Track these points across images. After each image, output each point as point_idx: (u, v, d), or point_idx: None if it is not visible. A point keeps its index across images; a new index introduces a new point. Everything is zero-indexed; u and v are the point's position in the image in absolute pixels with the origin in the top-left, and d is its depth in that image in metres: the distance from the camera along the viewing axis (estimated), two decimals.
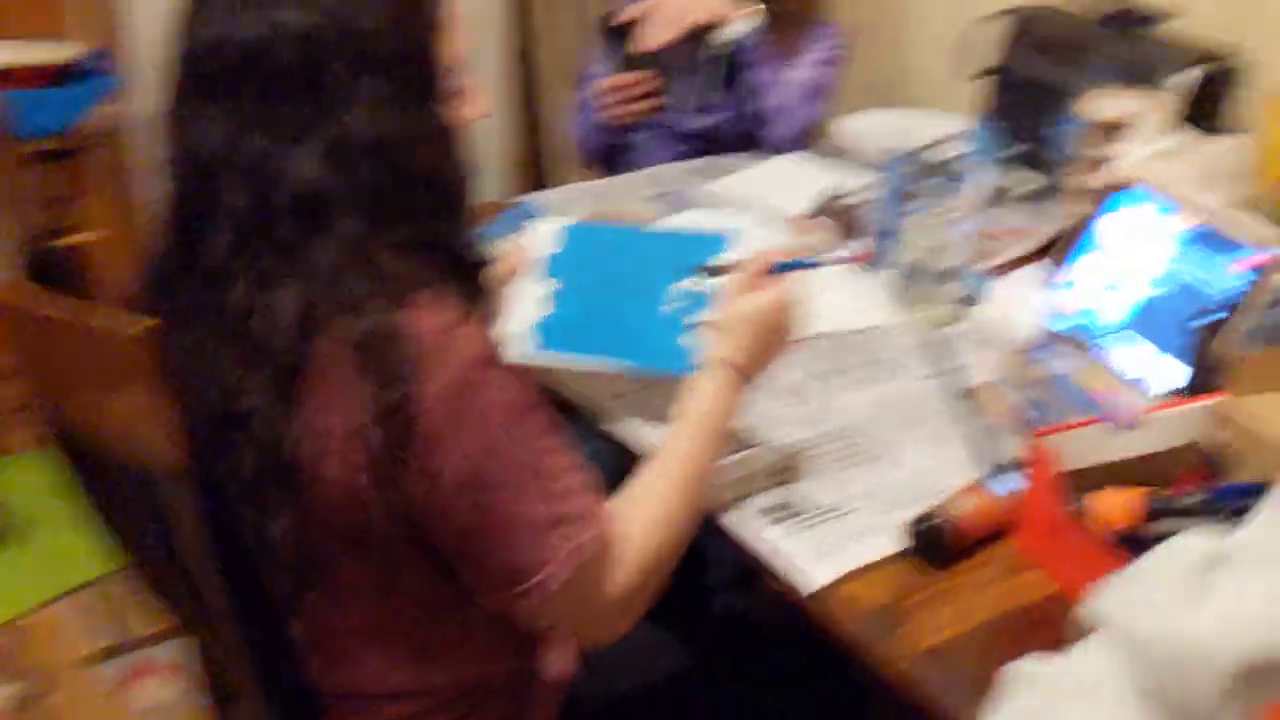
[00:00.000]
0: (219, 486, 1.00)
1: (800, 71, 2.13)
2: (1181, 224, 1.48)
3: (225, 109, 0.95)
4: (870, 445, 1.32)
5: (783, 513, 1.20)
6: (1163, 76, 1.84)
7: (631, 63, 1.99)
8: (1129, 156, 1.67)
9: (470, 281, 1.03)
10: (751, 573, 1.21)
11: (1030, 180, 1.94)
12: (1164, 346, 1.43)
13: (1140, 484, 1.17)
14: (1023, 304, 1.51)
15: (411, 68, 0.99)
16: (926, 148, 2.03)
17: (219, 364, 0.97)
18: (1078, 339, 1.52)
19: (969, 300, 1.59)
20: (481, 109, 1.07)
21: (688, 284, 1.28)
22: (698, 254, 1.30)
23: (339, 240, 0.95)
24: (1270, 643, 0.63)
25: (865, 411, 1.38)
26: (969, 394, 1.41)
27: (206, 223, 0.97)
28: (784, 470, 1.26)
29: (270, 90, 0.94)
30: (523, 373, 1.02)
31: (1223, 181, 1.66)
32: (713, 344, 1.18)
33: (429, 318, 0.95)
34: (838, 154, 2.14)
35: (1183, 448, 1.18)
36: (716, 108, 2.08)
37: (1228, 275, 1.40)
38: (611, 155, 2.25)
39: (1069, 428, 1.15)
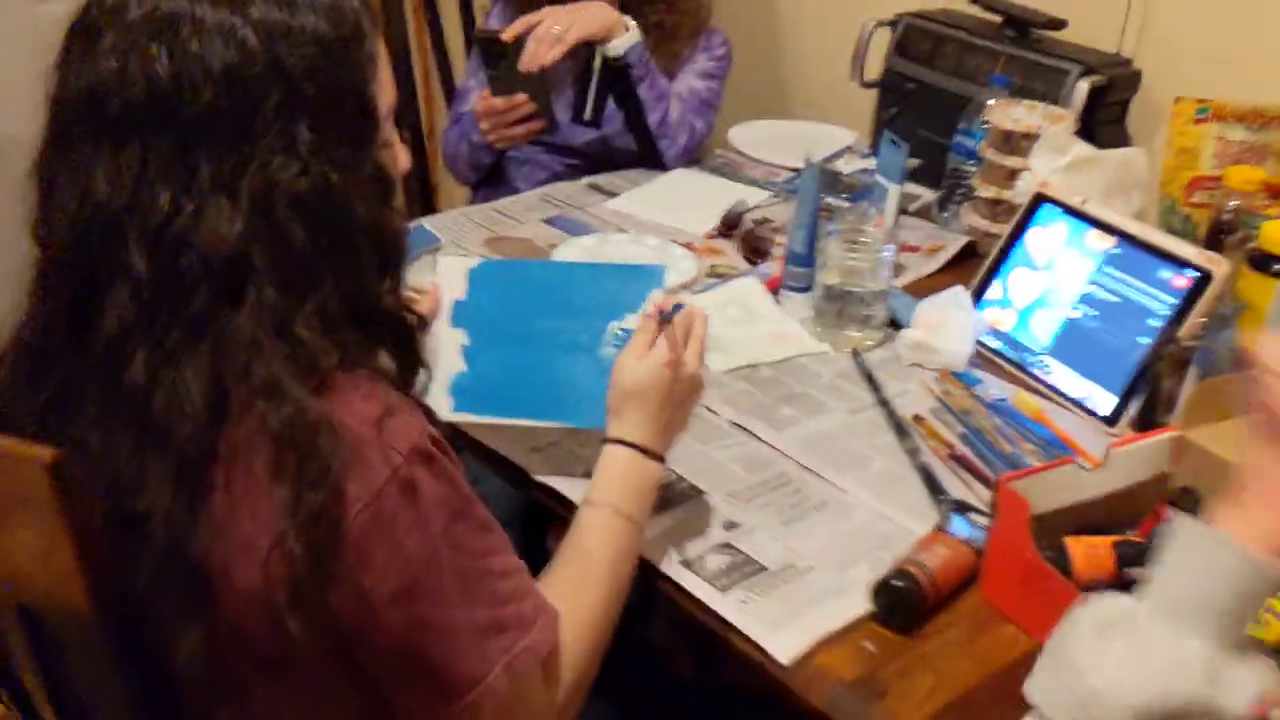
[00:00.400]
0: (115, 599, 0.84)
1: (686, 83, 2.05)
2: (1101, 241, 1.44)
3: (126, 157, 0.81)
4: (814, 491, 1.23)
5: (734, 576, 1.11)
6: (1058, 86, 1.83)
7: (513, 81, 1.87)
8: (1039, 169, 1.63)
9: (403, 347, 0.92)
10: (653, 603, 1.13)
11: (922, 192, 1.90)
12: (1088, 371, 1.39)
13: (1106, 523, 1.12)
14: (950, 325, 1.46)
15: (345, 112, 0.86)
16: (828, 160, 1.97)
17: (113, 454, 0.83)
18: (1011, 360, 1.48)
19: (893, 323, 1.52)
20: (403, 163, 0.95)
21: (623, 324, 1.18)
22: (633, 291, 1.19)
23: (258, 310, 0.82)
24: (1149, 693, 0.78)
25: (802, 453, 1.29)
26: (906, 426, 1.34)
27: (99, 288, 0.82)
28: (729, 527, 1.17)
29: (183, 136, 0.81)
30: (453, 454, 0.90)
31: (1129, 192, 1.65)
32: (610, 425, 1.10)
33: (359, 405, 0.83)
34: (731, 168, 2.07)
35: (1148, 481, 1.13)
36: (603, 124, 1.98)
37: (1155, 297, 1.37)
38: (491, 173, 2.12)
39: (1037, 471, 1.09)
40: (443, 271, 1.26)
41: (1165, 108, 1.89)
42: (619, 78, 1.93)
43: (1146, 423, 1.18)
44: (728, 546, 1.15)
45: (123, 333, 0.82)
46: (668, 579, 1.11)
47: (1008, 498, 1.06)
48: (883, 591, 1.06)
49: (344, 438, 0.81)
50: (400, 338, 0.93)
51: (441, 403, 1.18)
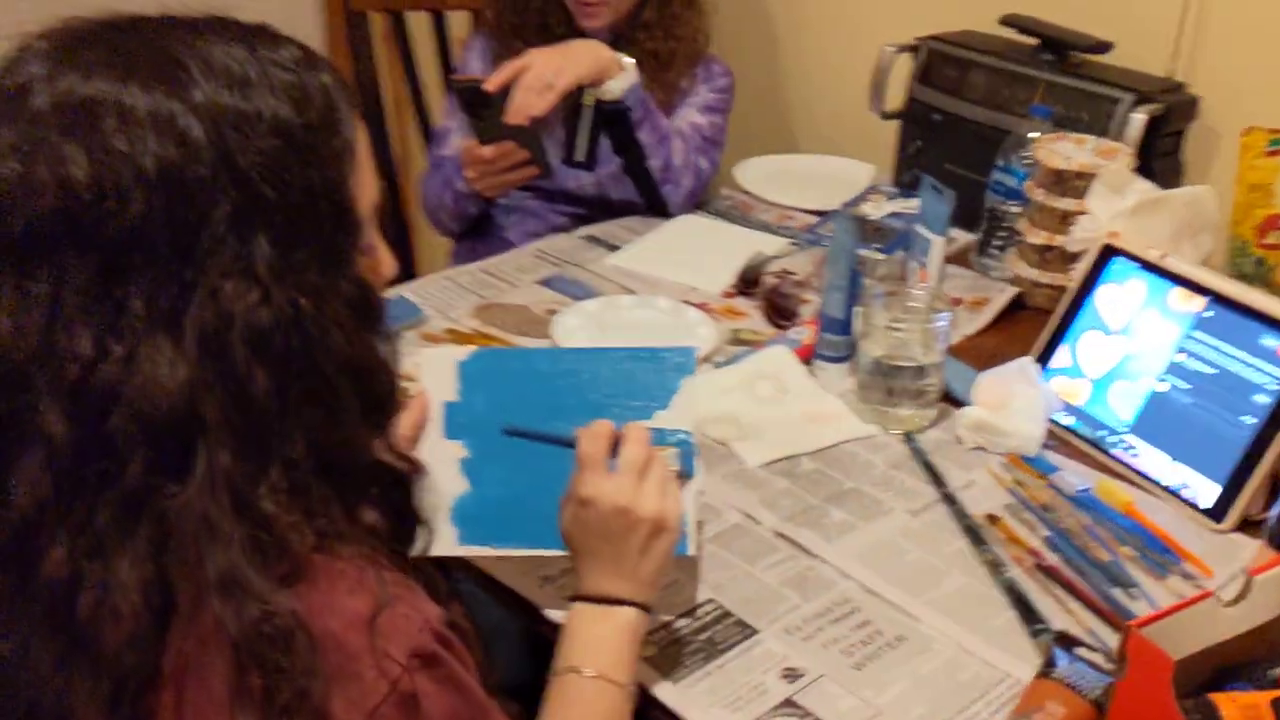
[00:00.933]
0: None
1: (687, 118, 1.85)
2: (1188, 302, 1.26)
3: (33, 290, 0.63)
4: (885, 622, 1.04)
5: None
6: (1106, 116, 1.64)
7: (500, 129, 1.67)
8: (1099, 213, 1.45)
9: (397, 505, 0.74)
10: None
11: (956, 234, 1.71)
12: (1182, 455, 1.21)
13: (1243, 661, 0.93)
14: (1018, 401, 1.27)
15: (316, 219, 0.67)
16: (853, 203, 1.78)
17: (30, 670, 0.64)
18: (1088, 439, 1.29)
19: (947, 397, 1.33)
20: (387, 271, 0.75)
21: (652, 424, 0.99)
22: (658, 381, 1.01)
23: (209, 481, 0.63)
24: None
25: (863, 570, 1.10)
26: (980, 530, 1.15)
27: (3, 458, 0.64)
28: (790, 677, 0.97)
29: (108, 259, 0.62)
30: (464, 630, 0.71)
31: (1197, 235, 1.46)
32: (576, 579, 0.92)
33: (343, 602, 0.65)
34: (740, 211, 1.87)
35: None
36: (599, 168, 1.79)
37: (1259, 369, 1.18)
38: (476, 222, 1.92)
39: (1171, 612, 0.90)
40: (426, 368, 1.06)
41: (1222, 137, 1.72)
42: (616, 121, 1.74)
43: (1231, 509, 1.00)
44: (791, 706, 0.95)
45: (37, 514, 0.63)
46: None
47: (1143, 650, 0.86)
48: None
49: (326, 647, 0.63)
50: (392, 494, 0.74)
51: (443, 533, 0.98)
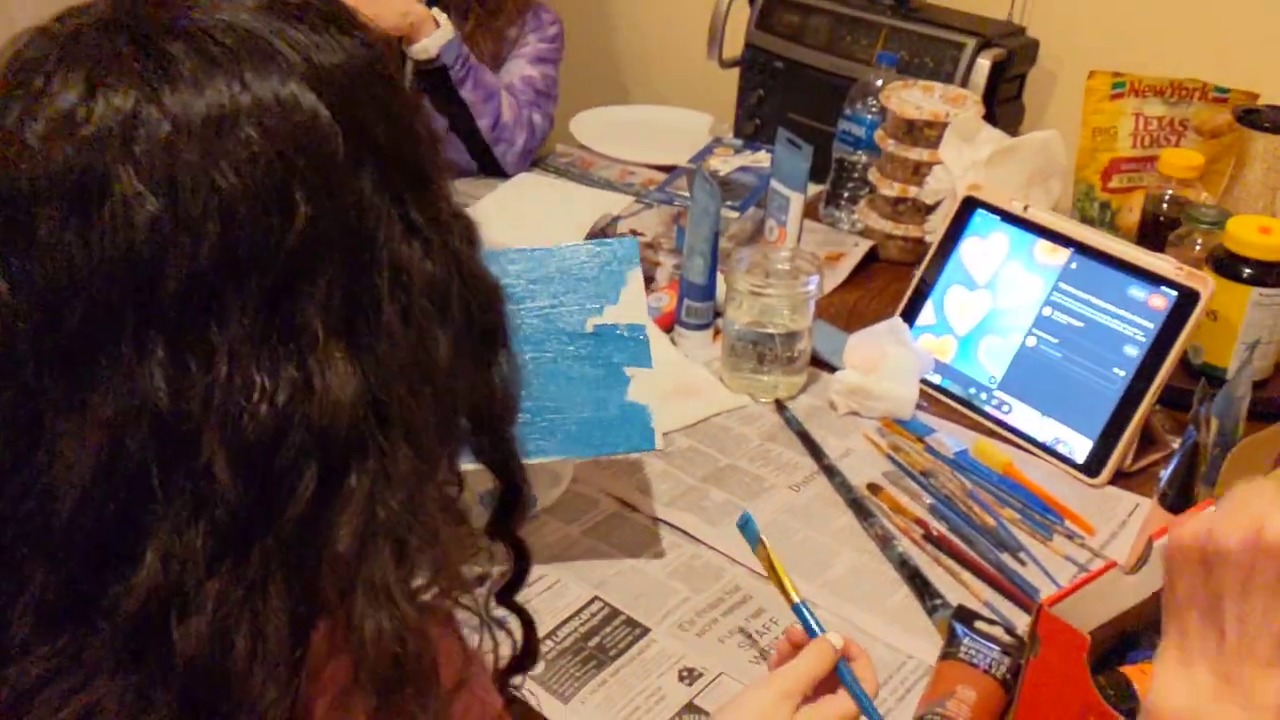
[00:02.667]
0: None
1: (517, 71, 1.75)
2: (1053, 254, 1.24)
3: (192, 345, 0.51)
4: (780, 609, 0.97)
5: None
6: (950, 63, 1.62)
7: None
8: (953, 164, 1.42)
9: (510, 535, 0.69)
10: None
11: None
12: (1052, 410, 1.19)
13: (1141, 629, 0.91)
14: (889, 364, 1.23)
15: (430, 159, 0.59)
16: (699, 158, 1.72)
17: None
18: (959, 398, 1.26)
19: (818, 362, 1.29)
20: None
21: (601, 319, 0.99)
22: (606, 271, 1.01)
23: (381, 485, 0.54)
24: None
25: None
26: (864, 501, 1.11)
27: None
28: (688, 679, 0.91)
29: (278, 282, 0.52)
30: None
31: (1048, 181, 1.45)
32: None
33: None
34: (578, 167, 1.78)
35: None
36: None
37: (1128, 321, 1.17)
38: None
39: (1078, 587, 0.87)
40: None
41: (1058, 81, 1.73)
42: (436, 82, 1.62)
43: (1184, 497, 0.98)
44: (696, 711, 0.89)
45: (172, 585, 0.52)
46: None
47: (1055, 629, 0.83)
48: None
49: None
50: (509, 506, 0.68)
51: None
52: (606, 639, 0.94)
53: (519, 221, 1.60)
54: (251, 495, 0.51)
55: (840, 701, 0.77)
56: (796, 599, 0.82)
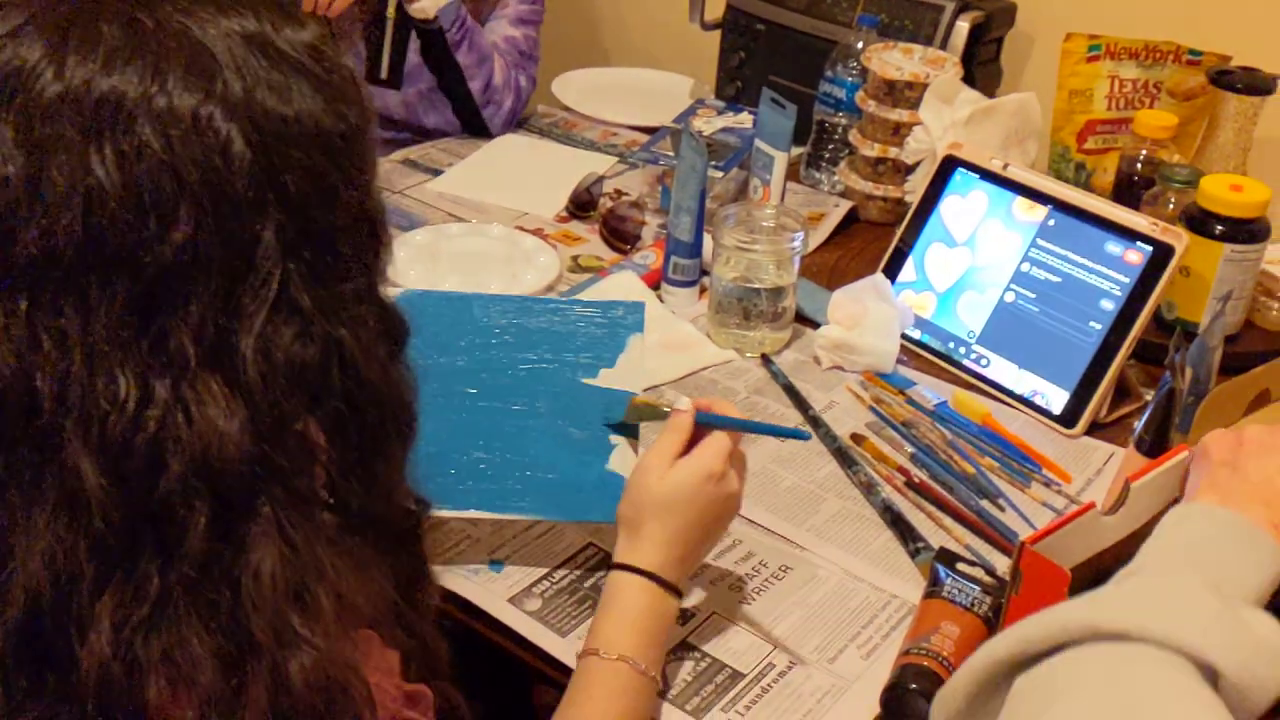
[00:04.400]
0: None
1: (500, 31, 1.76)
2: (1031, 211, 1.27)
3: (46, 323, 0.52)
4: (769, 553, 1.02)
5: (706, 691, 0.88)
6: (930, 25, 1.64)
7: None
8: (933, 125, 1.45)
9: (412, 558, 0.72)
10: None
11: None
12: (1030, 363, 1.23)
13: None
14: (871, 319, 1.26)
15: (355, 241, 0.59)
16: (683, 118, 1.73)
17: None
18: (939, 353, 1.29)
19: (802, 318, 1.31)
20: None
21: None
22: (608, 332, 1.01)
23: (275, 535, 0.57)
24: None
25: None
26: (849, 451, 1.14)
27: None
28: (683, 618, 0.94)
29: (147, 288, 0.52)
30: None
31: (1024, 142, 1.48)
32: (623, 544, 0.87)
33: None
34: (561, 128, 1.80)
35: (1162, 512, 0.97)
36: (407, 87, 1.68)
37: (1104, 275, 1.21)
38: None
39: (1060, 526, 0.90)
40: None
41: (1035, 43, 1.75)
42: (432, 42, 1.63)
43: (1159, 442, 1.02)
44: (689, 648, 0.92)
45: (61, 592, 0.54)
46: None
47: (1037, 565, 0.87)
48: (900, 699, 0.85)
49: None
50: (409, 541, 0.70)
51: None
52: (601, 581, 0.97)
53: (504, 181, 1.62)
54: (133, 512, 0.52)
55: (711, 443, 0.86)
56: (666, 409, 0.90)
